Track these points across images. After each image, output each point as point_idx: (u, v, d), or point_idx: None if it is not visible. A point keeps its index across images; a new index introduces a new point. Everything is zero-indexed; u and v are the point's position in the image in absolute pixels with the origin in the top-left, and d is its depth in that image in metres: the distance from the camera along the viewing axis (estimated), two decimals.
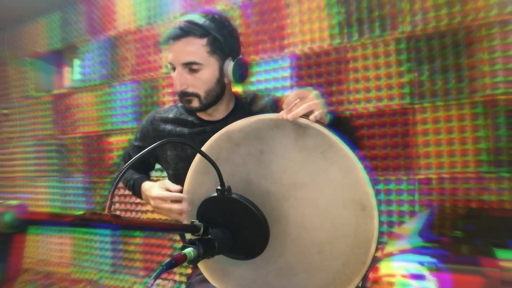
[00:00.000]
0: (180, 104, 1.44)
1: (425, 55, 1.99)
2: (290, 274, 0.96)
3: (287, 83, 2.35)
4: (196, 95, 1.24)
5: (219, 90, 1.29)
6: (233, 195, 0.85)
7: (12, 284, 0.54)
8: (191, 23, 1.19)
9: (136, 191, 1.39)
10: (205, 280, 1.08)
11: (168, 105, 1.65)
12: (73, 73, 3.52)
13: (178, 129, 1.39)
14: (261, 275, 0.99)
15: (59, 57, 3.63)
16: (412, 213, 1.98)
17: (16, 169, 3.80)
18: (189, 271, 1.50)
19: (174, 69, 1.24)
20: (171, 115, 1.41)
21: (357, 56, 2.14)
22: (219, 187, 0.84)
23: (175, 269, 2.71)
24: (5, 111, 3.89)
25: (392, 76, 2.06)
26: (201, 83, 1.23)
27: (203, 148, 1.03)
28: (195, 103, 1.26)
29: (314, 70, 2.27)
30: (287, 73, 2.36)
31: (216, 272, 1.04)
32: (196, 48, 1.19)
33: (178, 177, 1.18)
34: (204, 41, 1.19)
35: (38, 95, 3.67)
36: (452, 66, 1.93)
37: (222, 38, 1.22)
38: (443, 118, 1.94)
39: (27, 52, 3.72)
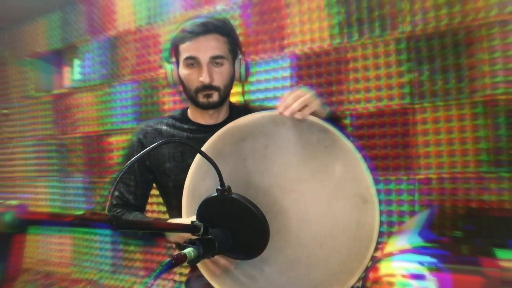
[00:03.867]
0: (167, 115, 1.45)
1: (425, 55, 1.99)
2: (291, 268, 0.96)
3: (287, 83, 2.35)
4: (218, 89, 1.29)
5: (230, 88, 1.36)
6: (233, 195, 0.85)
7: (12, 284, 0.54)
8: (211, 22, 1.28)
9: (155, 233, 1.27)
10: (204, 280, 1.08)
11: (156, 116, 1.63)
12: (73, 73, 3.52)
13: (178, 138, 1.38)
14: (261, 270, 0.98)
15: (59, 57, 3.62)
16: (412, 213, 1.98)
17: (16, 169, 3.80)
18: (187, 270, 1.50)
19: (192, 65, 1.27)
20: (164, 127, 1.40)
21: (357, 56, 2.14)
22: (219, 187, 0.84)
23: (175, 269, 2.71)
24: (5, 111, 3.89)
25: (392, 76, 2.06)
26: (222, 77, 1.30)
27: (208, 142, 1.04)
28: (215, 97, 1.30)
29: (314, 70, 2.27)
30: (287, 73, 2.36)
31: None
32: (220, 44, 1.28)
33: (178, 189, 1.16)
34: (225, 39, 1.29)
35: (38, 95, 3.67)
36: (452, 66, 1.93)
37: (236, 39, 1.34)
38: (443, 118, 1.94)
39: (27, 52, 3.72)
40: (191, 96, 1.32)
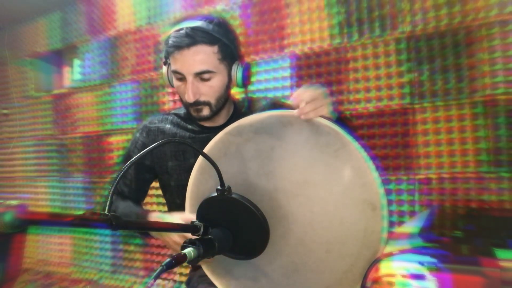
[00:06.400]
0: (173, 112, 1.42)
1: (425, 55, 1.99)
2: (295, 273, 0.95)
3: (287, 83, 2.35)
4: (207, 103, 1.23)
5: (226, 96, 1.29)
6: (233, 195, 0.85)
7: (12, 284, 0.54)
8: (198, 30, 1.15)
9: None
10: (206, 280, 1.08)
11: (160, 111, 1.56)
12: (73, 73, 3.52)
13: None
14: (265, 274, 0.97)
15: (59, 57, 3.62)
16: (412, 213, 1.98)
17: (16, 169, 3.80)
18: (187, 270, 1.49)
19: (180, 78, 1.21)
20: (168, 125, 1.38)
21: (357, 56, 2.14)
22: (219, 187, 0.84)
23: (175, 269, 2.71)
24: (5, 111, 3.89)
25: (392, 76, 2.06)
26: (212, 91, 1.22)
27: (211, 142, 1.03)
28: (206, 112, 1.24)
29: (314, 70, 2.27)
30: (287, 73, 2.36)
31: (218, 270, 1.03)
32: (207, 56, 1.17)
33: (181, 188, 1.15)
34: (214, 48, 1.17)
35: (38, 95, 3.67)
36: (452, 66, 1.93)
37: (230, 43, 1.21)
38: (443, 118, 1.94)
39: (27, 52, 3.72)
40: (185, 106, 1.29)
